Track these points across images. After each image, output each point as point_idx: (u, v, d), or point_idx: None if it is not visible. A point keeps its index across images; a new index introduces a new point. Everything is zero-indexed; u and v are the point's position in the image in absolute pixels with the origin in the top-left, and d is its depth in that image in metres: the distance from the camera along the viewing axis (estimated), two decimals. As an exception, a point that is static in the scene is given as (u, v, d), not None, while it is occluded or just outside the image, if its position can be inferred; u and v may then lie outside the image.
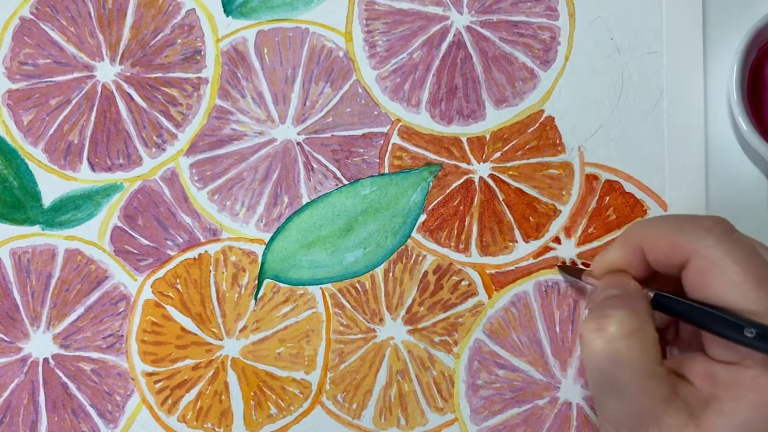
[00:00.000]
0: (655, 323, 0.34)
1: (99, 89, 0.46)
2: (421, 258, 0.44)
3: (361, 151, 0.45)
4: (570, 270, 0.43)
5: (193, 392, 0.44)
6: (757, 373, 0.31)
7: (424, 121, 0.45)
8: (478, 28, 0.46)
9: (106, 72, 0.46)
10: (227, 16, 0.46)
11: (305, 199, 0.45)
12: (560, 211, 0.45)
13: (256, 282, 0.44)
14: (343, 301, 0.44)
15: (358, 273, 0.44)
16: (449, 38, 0.46)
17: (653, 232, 0.35)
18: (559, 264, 0.44)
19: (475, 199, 0.45)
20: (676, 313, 0.35)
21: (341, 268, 0.44)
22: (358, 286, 0.44)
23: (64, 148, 0.45)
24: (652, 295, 0.36)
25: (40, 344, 0.44)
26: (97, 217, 0.45)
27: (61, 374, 0.44)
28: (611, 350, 0.32)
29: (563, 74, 0.45)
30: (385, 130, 0.45)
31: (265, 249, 0.45)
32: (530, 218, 0.45)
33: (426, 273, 0.44)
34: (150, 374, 0.44)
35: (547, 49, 0.46)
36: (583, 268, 0.43)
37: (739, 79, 0.42)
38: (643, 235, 0.35)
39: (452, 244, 0.44)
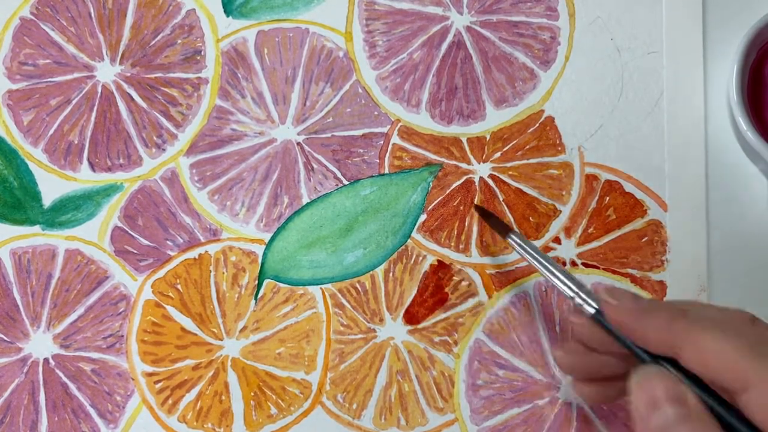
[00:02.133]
0: None
1: (99, 89, 0.46)
2: (421, 258, 0.44)
3: (361, 151, 0.45)
4: (495, 223, 0.41)
5: (194, 392, 0.44)
6: None
7: (424, 121, 0.45)
8: (478, 29, 0.46)
9: (106, 72, 0.46)
10: (227, 16, 0.46)
11: (305, 199, 0.45)
12: (560, 211, 0.45)
13: (257, 282, 0.44)
14: (344, 301, 0.44)
15: (358, 273, 0.44)
16: (449, 38, 0.46)
17: (707, 346, 0.29)
18: (479, 207, 0.43)
19: (475, 199, 0.45)
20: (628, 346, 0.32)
21: (341, 268, 0.44)
22: (358, 286, 0.44)
23: (65, 148, 0.45)
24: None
25: (41, 344, 0.44)
26: (98, 217, 0.45)
27: (61, 374, 0.44)
28: None
29: (563, 74, 0.45)
30: (385, 130, 0.45)
31: (266, 249, 0.45)
32: (530, 218, 0.45)
33: (426, 273, 0.44)
34: (150, 374, 0.44)
35: (547, 49, 0.46)
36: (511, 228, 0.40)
37: (739, 79, 0.42)
38: (692, 341, 0.30)
39: (452, 244, 0.44)
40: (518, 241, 0.38)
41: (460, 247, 0.44)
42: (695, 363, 0.30)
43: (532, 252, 0.37)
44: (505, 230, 0.39)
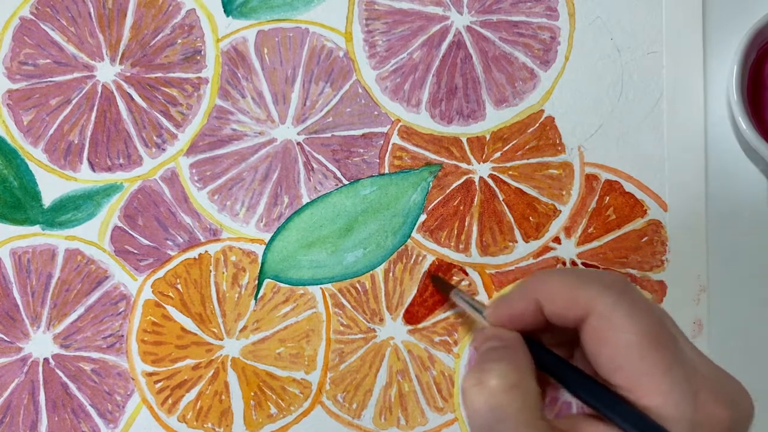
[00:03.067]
0: (536, 376, 0.33)
1: (99, 89, 0.46)
2: (421, 258, 0.44)
3: (361, 151, 0.45)
4: (444, 284, 0.43)
5: (194, 392, 0.44)
6: None
7: (424, 121, 0.45)
8: (478, 28, 0.46)
9: (106, 72, 0.46)
10: (227, 16, 0.46)
11: (305, 199, 0.45)
12: (560, 211, 0.45)
13: (257, 282, 0.44)
14: (343, 301, 0.44)
15: (358, 273, 0.44)
16: (449, 38, 0.46)
17: (552, 286, 0.34)
18: (433, 275, 0.44)
19: (475, 199, 0.45)
20: (547, 370, 0.34)
21: (341, 268, 0.44)
22: (358, 286, 0.44)
23: (64, 148, 0.45)
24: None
25: (41, 344, 0.44)
26: (98, 217, 0.45)
27: (61, 374, 0.44)
28: (492, 404, 0.32)
29: (563, 74, 0.45)
30: (385, 130, 0.45)
31: (266, 249, 0.45)
32: (530, 218, 0.45)
33: (426, 273, 0.44)
34: (150, 374, 0.44)
35: (547, 49, 0.46)
36: (454, 285, 0.42)
37: (739, 79, 0.42)
38: (542, 287, 0.34)
39: (452, 244, 0.44)
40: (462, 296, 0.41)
41: (460, 247, 0.44)
42: (549, 305, 0.34)
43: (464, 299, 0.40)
44: (448, 288, 0.42)
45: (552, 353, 0.34)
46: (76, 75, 0.46)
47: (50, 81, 0.46)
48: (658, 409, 0.30)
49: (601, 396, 0.31)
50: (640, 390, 0.31)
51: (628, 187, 0.45)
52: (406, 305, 0.44)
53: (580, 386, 0.32)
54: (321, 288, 0.44)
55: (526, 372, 0.33)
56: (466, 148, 0.45)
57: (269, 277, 0.44)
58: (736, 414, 0.30)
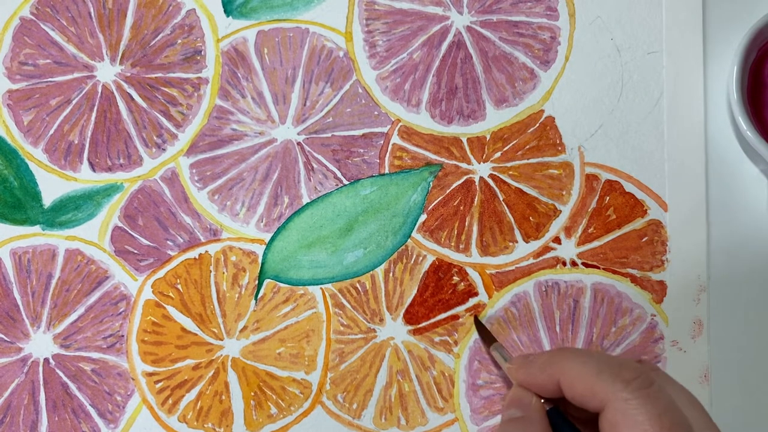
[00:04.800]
0: None
1: (99, 89, 0.46)
2: (421, 258, 0.44)
3: (362, 151, 0.45)
4: (485, 333, 0.43)
5: (194, 392, 0.44)
6: None
7: (424, 121, 0.45)
8: (478, 28, 0.46)
9: (107, 72, 0.46)
10: (227, 16, 0.46)
11: (305, 199, 0.45)
12: (560, 211, 0.45)
13: (257, 282, 0.44)
14: (344, 301, 0.44)
15: (358, 273, 0.44)
16: (449, 38, 0.46)
17: (573, 372, 0.34)
18: (476, 317, 0.44)
19: (476, 199, 0.45)
20: None
21: (341, 268, 0.44)
22: (358, 286, 0.44)
23: (65, 148, 0.45)
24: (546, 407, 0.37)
25: (41, 344, 0.44)
26: (98, 217, 0.45)
27: (61, 374, 0.44)
28: None
29: (563, 74, 0.45)
30: (385, 130, 0.45)
31: (266, 249, 0.45)
32: (530, 218, 0.45)
33: (426, 273, 0.44)
34: (150, 374, 0.44)
35: (547, 49, 0.46)
36: (497, 341, 0.43)
37: (739, 79, 0.42)
38: (564, 370, 0.35)
39: (452, 244, 0.44)
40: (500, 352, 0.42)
41: (460, 247, 0.44)
42: (568, 390, 0.35)
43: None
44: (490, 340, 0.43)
45: (571, 427, 0.35)
46: (76, 75, 0.46)
47: (50, 81, 0.46)
48: None
49: None
50: None
51: (628, 187, 0.45)
52: (406, 305, 0.44)
53: None
54: (321, 288, 0.44)
55: None
56: (467, 148, 0.45)
57: (269, 277, 0.44)
58: None
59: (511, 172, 0.45)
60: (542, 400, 0.37)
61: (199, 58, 0.46)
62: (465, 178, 0.45)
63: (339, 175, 0.45)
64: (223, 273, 0.44)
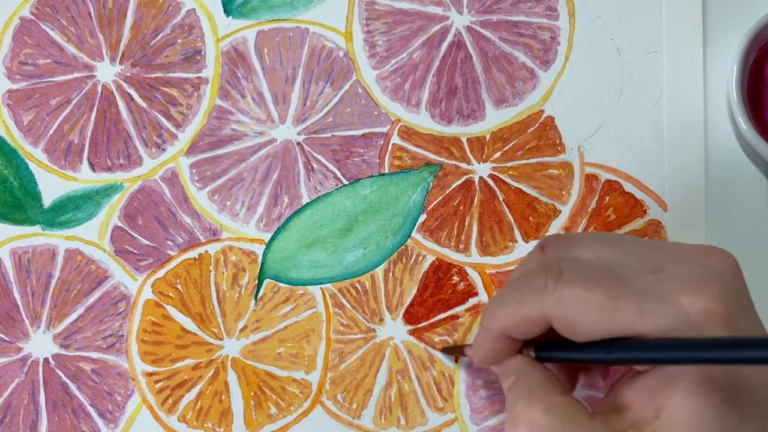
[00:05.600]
0: (557, 384, 0.33)
1: (99, 89, 0.46)
2: (421, 258, 0.44)
3: (361, 151, 0.45)
4: (454, 350, 0.43)
5: (194, 392, 0.44)
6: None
7: (424, 121, 0.45)
8: (478, 28, 0.46)
9: (106, 72, 0.46)
10: (227, 16, 0.46)
11: (305, 199, 0.45)
12: (560, 211, 0.45)
13: (257, 282, 0.44)
14: (343, 301, 0.44)
15: (358, 273, 0.44)
16: (449, 38, 0.46)
17: (504, 319, 0.33)
18: (442, 348, 0.44)
19: (475, 199, 0.45)
20: (565, 361, 0.34)
21: (341, 268, 0.44)
22: (358, 286, 0.44)
23: (64, 148, 0.45)
24: (533, 355, 0.35)
25: (41, 344, 0.44)
26: (98, 217, 0.45)
27: (61, 374, 0.44)
28: None
29: (563, 74, 0.45)
30: (385, 130, 0.45)
31: (266, 249, 0.45)
32: (530, 218, 0.45)
33: (426, 273, 0.44)
34: (150, 374, 0.44)
35: (547, 49, 0.46)
36: (465, 344, 0.42)
37: (739, 79, 0.42)
38: (498, 323, 0.34)
39: (452, 244, 0.44)
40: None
41: (460, 247, 0.44)
42: (516, 333, 0.33)
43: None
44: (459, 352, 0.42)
45: (560, 345, 0.33)
46: (76, 75, 0.46)
47: (50, 81, 0.46)
48: (648, 333, 0.30)
49: (618, 347, 0.31)
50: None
51: (628, 187, 0.45)
52: (406, 305, 0.44)
53: (592, 354, 0.32)
54: (321, 288, 0.44)
55: (546, 395, 0.32)
56: (466, 148, 0.45)
57: (269, 277, 0.44)
58: (712, 292, 0.30)
59: (510, 172, 0.45)
60: (521, 353, 0.35)
61: (199, 58, 0.46)
62: (465, 178, 0.45)
63: (339, 175, 0.45)
64: (223, 273, 0.44)
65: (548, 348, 0.34)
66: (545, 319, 0.32)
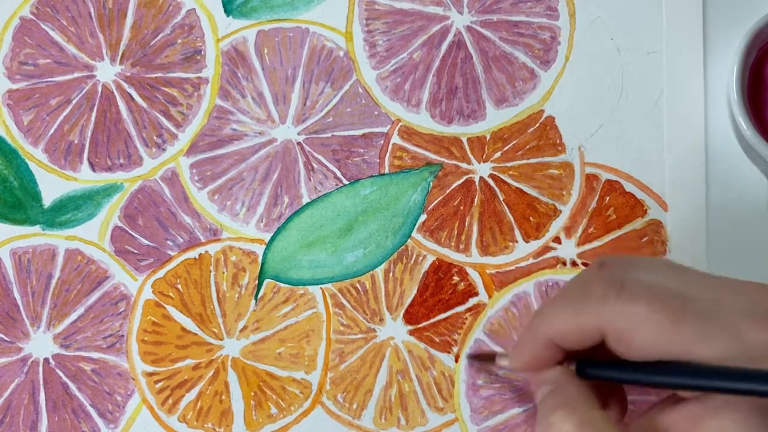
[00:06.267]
0: (594, 399, 0.33)
1: (99, 89, 0.46)
2: (421, 258, 0.44)
3: (362, 151, 0.45)
4: (482, 356, 0.43)
5: (194, 392, 0.44)
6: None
7: (424, 121, 0.45)
8: (479, 28, 0.46)
9: (107, 72, 0.46)
10: (227, 16, 0.46)
11: (305, 199, 0.45)
12: (560, 211, 0.45)
13: (257, 282, 0.44)
14: (344, 301, 0.44)
15: (358, 273, 0.44)
16: (449, 38, 0.46)
17: (557, 325, 0.33)
18: (469, 355, 0.43)
19: (476, 199, 0.45)
20: (607, 379, 0.34)
21: (341, 268, 0.44)
22: (358, 286, 0.44)
23: (65, 148, 0.45)
24: (573, 368, 0.34)
25: (41, 344, 0.44)
26: (98, 217, 0.45)
27: (61, 374, 0.44)
28: None
29: (563, 74, 0.45)
30: (385, 130, 0.45)
31: (266, 249, 0.45)
32: (530, 218, 0.45)
33: (426, 273, 0.44)
34: (150, 374, 0.44)
35: (547, 49, 0.46)
36: (496, 351, 0.42)
37: (739, 79, 0.42)
38: (549, 330, 0.33)
39: (452, 244, 0.44)
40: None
41: (460, 247, 0.44)
42: (565, 344, 0.33)
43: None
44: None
45: (603, 364, 0.33)
46: (76, 75, 0.46)
47: (50, 81, 0.46)
48: (703, 359, 0.29)
49: (674, 371, 0.30)
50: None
51: (628, 187, 0.45)
52: (406, 305, 0.44)
53: (644, 376, 0.32)
54: (321, 288, 0.44)
55: (582, 406, 0.32)
56: (467, 148, 0.45)
57: (269, 277, 0.44)
58: None
59: (511, 172, 0.45)
60: (562, 365, 0.35)
61: (199, 57, 0.46)
62: (465, 178, 0.45)
63: (339, 175, 0.45)
64: (223, 273, 0.44)
65: (593, 365, 0.34)
66: (600, 330, 0.32)
